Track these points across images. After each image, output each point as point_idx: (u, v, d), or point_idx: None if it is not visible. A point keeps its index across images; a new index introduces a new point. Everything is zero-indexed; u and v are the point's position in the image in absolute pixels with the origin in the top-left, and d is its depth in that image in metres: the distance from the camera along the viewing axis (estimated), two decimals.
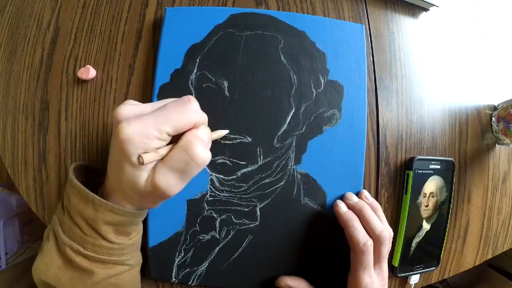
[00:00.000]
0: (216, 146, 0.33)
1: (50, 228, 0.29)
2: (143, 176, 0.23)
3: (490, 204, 0.42)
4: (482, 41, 0.44)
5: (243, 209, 0.35)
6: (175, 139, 0.24)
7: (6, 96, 0.38)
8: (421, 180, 0.37)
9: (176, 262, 0.35)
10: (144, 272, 0.34)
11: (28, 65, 0.38)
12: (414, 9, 0.41)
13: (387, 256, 0.31)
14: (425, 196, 0.38)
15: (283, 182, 0.35)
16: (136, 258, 0.31)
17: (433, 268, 0.40)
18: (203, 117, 0.25)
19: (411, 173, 0.37)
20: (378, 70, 0.39)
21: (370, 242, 0.30)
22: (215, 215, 0.35)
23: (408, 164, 0.38)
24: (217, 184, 0.34)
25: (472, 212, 0.41)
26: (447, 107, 0.41)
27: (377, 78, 0.39)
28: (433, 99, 0.40)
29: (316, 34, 0.36)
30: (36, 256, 0.29)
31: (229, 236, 0.35)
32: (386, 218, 0.33)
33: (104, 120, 0.37)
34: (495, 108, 0.43)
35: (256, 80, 0.35)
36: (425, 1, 0.40)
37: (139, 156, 0.22)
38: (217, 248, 0.35)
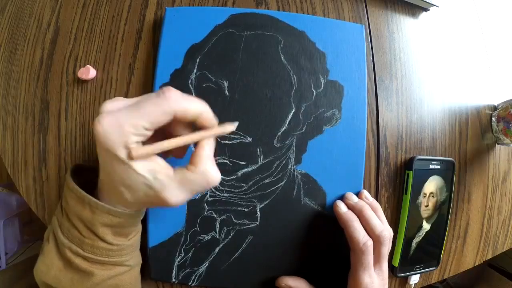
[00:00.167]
0: (216, 146, 0.33)
1: (50, 230, 0.29)
2: (139, 179, 0.23)
3: (490, 204, 0.42)
4: (482, 41, 0.44)
5: (243, 209, 0.35)
6: (169, 133, 0.24)
7: (6, 96, 0.38)
8: (421, 180, 0.37)
9: (176, 262, 0.35)
10: (144, 272, 0.34)
11: (28, 65, 0.38)
12: (414, 9, 0.41)
13: (387, 256, 0.31)
14: (425, 196, 0.38)
15: (283, 182, 0.35)
16: (135, 259, 0.31)
17: (433, 268, 0.40)
18: (186, 104, 0.23)
19: (411, 173, 0.37)
20: (378, 70, 0.39)
21: (370, 242, 0.30)
22: (215, 215, 0.35)
23: (408, 164, 0.38)
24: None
25: (472, 212, 0.41)
26: (447, 107, 0.41)
27: (377, 78, 0.39)
28: (433, 99, 0.40)
29: (316, 34, 0.36)
30: (36, 256, 0.29)
31: (229, 237, 0.35)
32: (386, 218, 0.33)
33: None
34: (495, 108, 0.43)
35: (256, 80, 0.35)
36: (425, 1, 0.40)
37: (129, 151, 0.22)
38: (217, 249, 0.35)
